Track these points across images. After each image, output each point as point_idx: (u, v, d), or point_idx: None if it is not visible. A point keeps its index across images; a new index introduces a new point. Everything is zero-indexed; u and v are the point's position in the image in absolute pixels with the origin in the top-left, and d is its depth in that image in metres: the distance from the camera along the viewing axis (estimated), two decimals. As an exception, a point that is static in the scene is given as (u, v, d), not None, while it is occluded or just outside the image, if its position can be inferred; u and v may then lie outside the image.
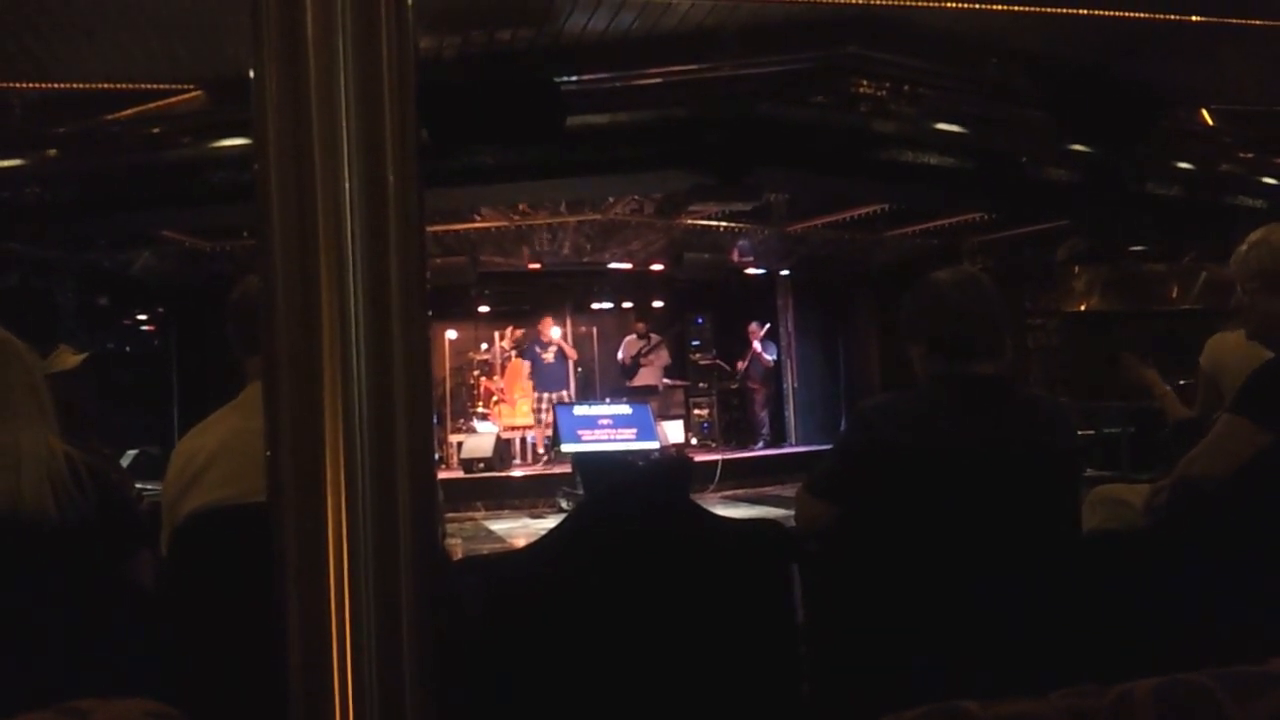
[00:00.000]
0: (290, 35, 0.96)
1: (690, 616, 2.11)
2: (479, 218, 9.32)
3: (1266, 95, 7.33)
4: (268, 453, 0.96)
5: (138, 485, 3.37)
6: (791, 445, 12.41)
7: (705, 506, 2.42)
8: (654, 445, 9.55)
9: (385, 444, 0.95)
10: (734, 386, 12.72)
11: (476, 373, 11.72)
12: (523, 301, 12.61)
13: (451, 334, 12.20)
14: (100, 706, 0.87)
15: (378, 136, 0.97)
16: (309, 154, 0.95)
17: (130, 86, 6.28)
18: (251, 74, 0.98)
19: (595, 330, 13.03)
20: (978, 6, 5.79)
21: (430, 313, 1.05)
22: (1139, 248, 11.01)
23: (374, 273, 0.95)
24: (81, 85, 6.19)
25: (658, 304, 13.04)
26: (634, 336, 12.10)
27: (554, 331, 11.53)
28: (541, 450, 10.86)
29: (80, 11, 5.35)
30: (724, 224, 9.87)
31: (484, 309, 12.45)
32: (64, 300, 9.05)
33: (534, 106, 5.74)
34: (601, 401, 11.06)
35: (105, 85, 6.22)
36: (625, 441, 9.30)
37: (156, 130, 6.37)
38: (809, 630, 2.24)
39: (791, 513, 2.34)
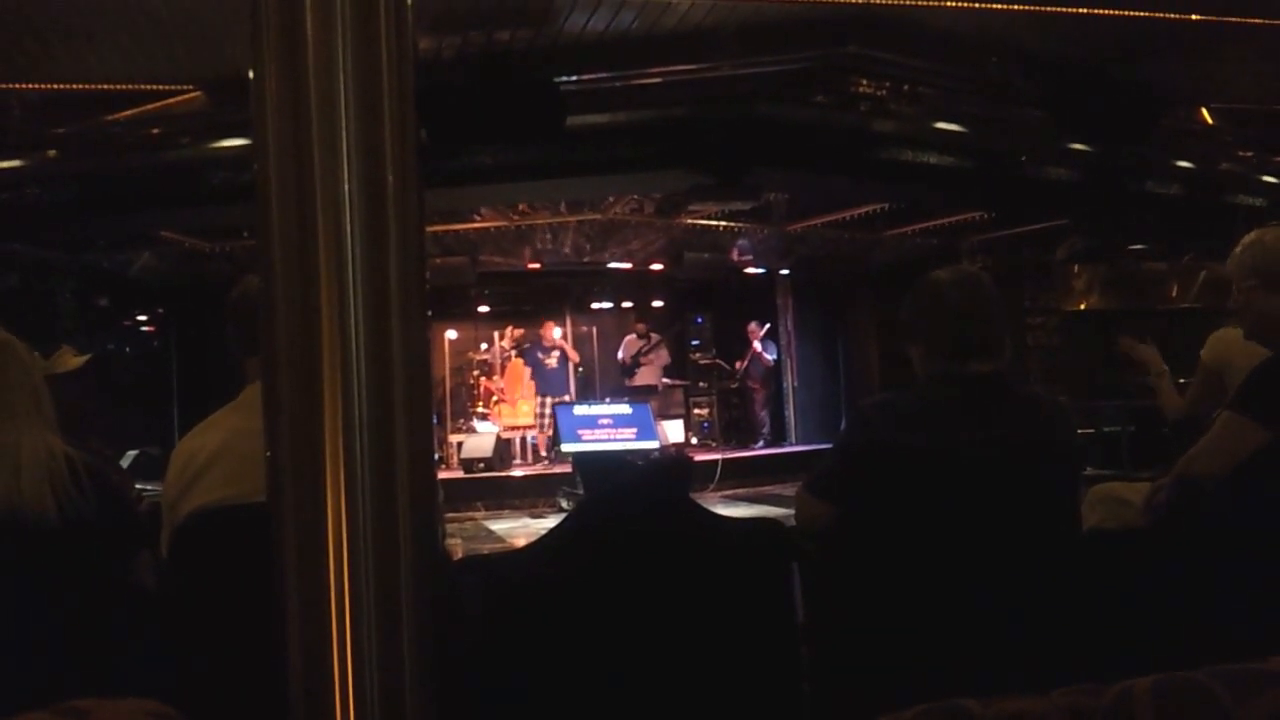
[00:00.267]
0: (290, 36, 0.96)
1: (690, 616, 2.11)
2: (479, 218, 9.32)
3: (1266, 94, 7.33)
4: (268, 452, 0.96)
5: (138, 486, 3.37)
6: (791, 444, 12.42)
7: (705, 506, 2.42)
8: (654, 445, 9.55)
9: (385, 444, 0.95)
10: (734, 386, 12.72)
11: (476, 373, 11.72)
12: (523, 301, 12.62)
13: (451, 334, 12.20)
14: (99, 706, 0.88)
15: (377, 137, 0.97)
16: (309, 154, 0.95)
17: (130, 87, 6.28)
18: (251, 75, 0.98)
19: (595, 330, 13.03)
20: (977, 6, 5.79)
21: (430, 313, 1.05)
22: (1138, 247, 11.01)
23: (373, 273, 0.95)
24: (81, 86, 6.19)
25: (657, 304, 13.05)
26: (634, 336, 12.10)
27: (556, 333, 11.53)
28: (543, 452, 10.87)
29: (80, 12, 5.35)
30: (724, 224, 9.87)
31: (484, 309, 12.45)
32: (64, 301, 9.05)
33: (533, 106, 5.74)
34: (601, 401, 11.06)
35: (105, 86, 6.22)
36: (625, 441, 9.30)
37: (156, 131, 6.36)
38: (809, 629, 2.24)
39: (791, 512, 2.34)
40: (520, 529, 8.26)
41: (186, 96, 6.40)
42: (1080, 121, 6.56)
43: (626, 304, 13.02)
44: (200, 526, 1.97)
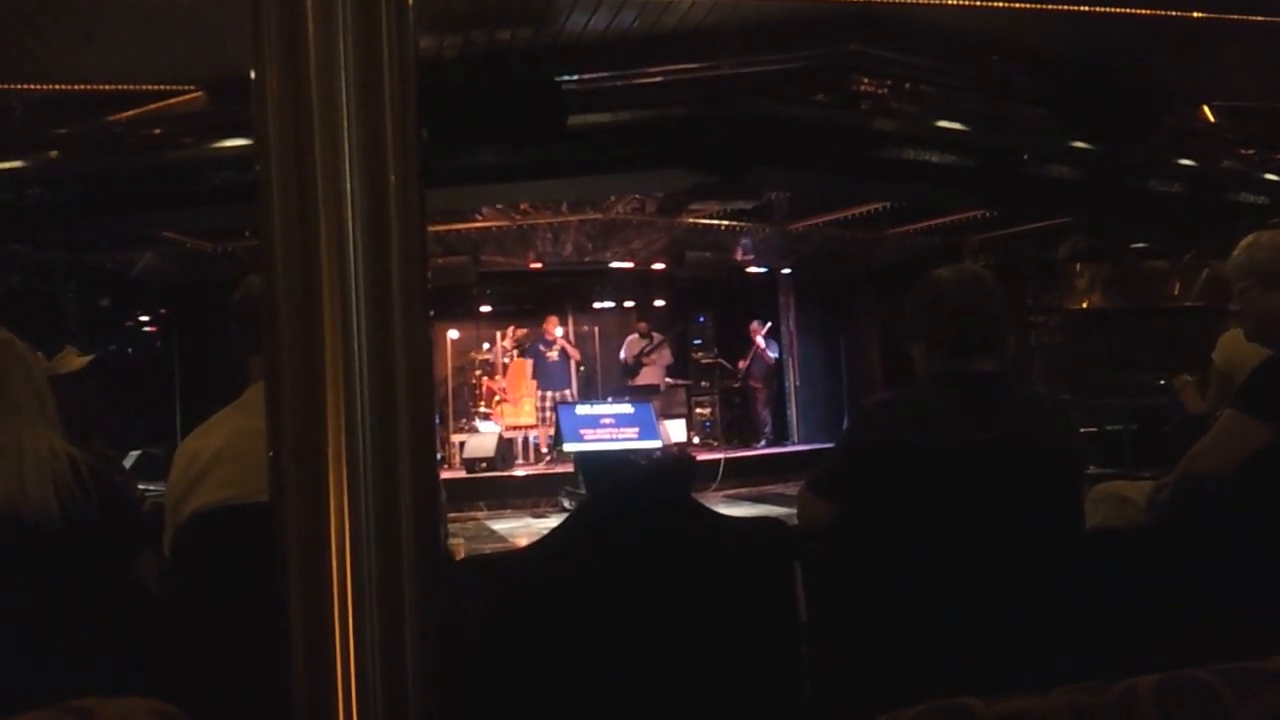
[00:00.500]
0: (291, 35, 0.96)
1: (692, 616, 2.11)
2: (480, 217, 9.32)
3: (1268, 92, 7.32)
4: (270, 453, 0.96)
5: (140, 486, 3.37)
6: (793, 444, 12.41)
7: (707, 505, 2.42)
8: (656, 444, 9.54)
9: (387, 444, 0.95)
10: (736, 385, 12.72)
11: (479, 372, 11.73)
12: (524, 301, 12.62)
13: (453, 334, 12.21)
14: (104, 705, 0.88)
15: (379, 136, 0.97)
16: (310, 154, 0.95)
17: (131, 88, 6.28)
18: (252, 74, 0.98)
19: (597, 329, 13.04)
20: (978, 4, 5.79)
21: (432, 312, 1.05)
22: (1141, 245, 11.00)
23: (375, 272, 0.95)
24: (82, 86, 6.19)
25: (659, 303, 13.05)
26: (636, 335, 12.10)
27: (558, 330, 11.54)
28: (545, 450, 10.87)
29: (81, 13, 5.36)
30: (725, 223, 9.87)
31: (486, 309, 12.46)
32: (66, 302, 9.06)
33: (535, 106, 5.75)
34: (604, 400, 11.07)
35: (106, 86, 6.22)
36: (627, 440, 9.30)
37: (158, 131, 6.37)
38: (811, 629, 2.23)
39: (794, 511, 2.33)
40: (522, 529, 8.27)
41: (188, 96, 6.40)
42: (1082, 120, 6.56)
43: (628, 303, 13.02)
44: (203, 526, 1.97)
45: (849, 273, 12.24)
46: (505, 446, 10.41)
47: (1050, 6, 5.79)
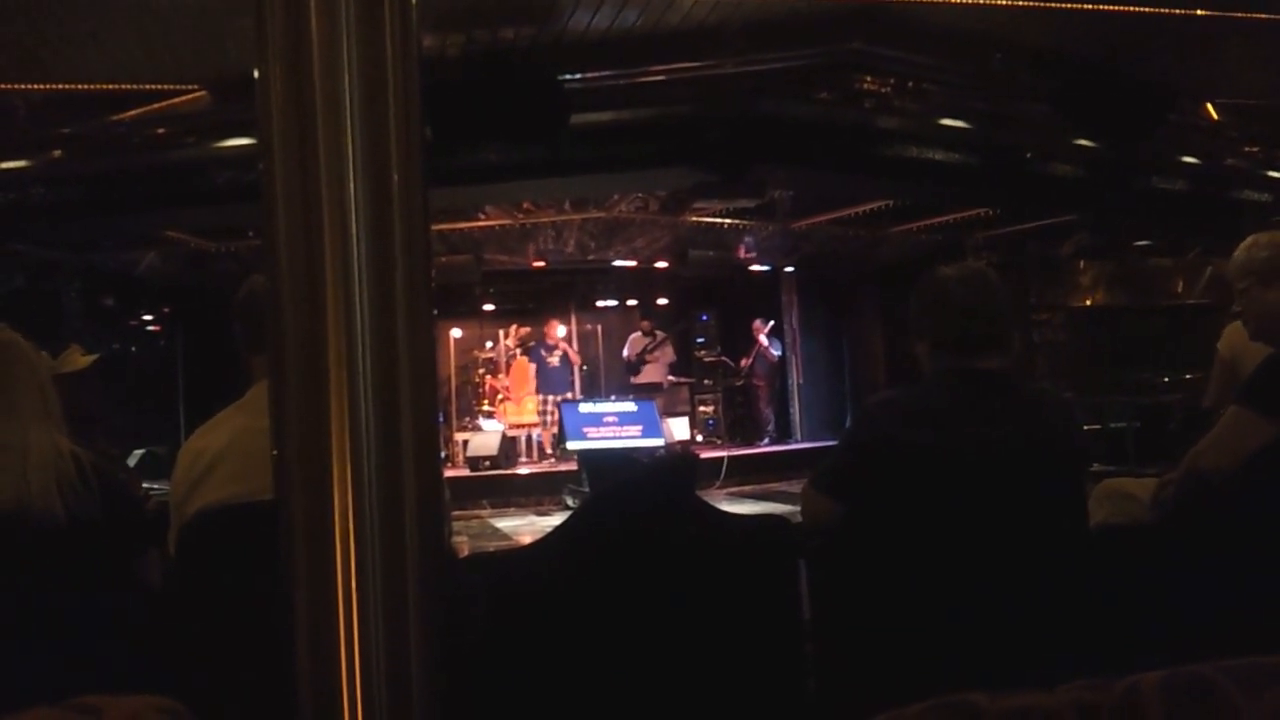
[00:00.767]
0: (294, 35, 0.96)
1: (696, 614, 2.11)
2: (483, 216, 9.32)
3: (1272, 89, 7.30)
4: (274, 451, 0.97)
5: (144, 485, 3.38)
6: (797, 442, 12.41)
7: (711, 503, 2.42)
8: (659, 442, 9.55)
9: (391, 442, 0.95)
10: (739, 383, 12.72)
11: (482, 371, 11.74)
12: (527, 300, 12.63)
13: (456, 332, 12.21)
14: (112, 703, 0.88)
15: (382, 135, 0.97)
16: (314, 153, 0.95)
17: (134, 87, 6.28)
18: (256, 74, 0.98)
19: (600, 328, 13.04)
20: (982, 1, 5.78)
21: (435, 311, 1.05)
22: (1144, 243, 10.99)
23: (379, 271, 0.95)
24: (86, 86, 6.19)
25: (662, 301, 13.05)
26: (639, 334, 12.10)
27: (559, 331, 11.53)
28: (549, 450, 10.88)
29: (84, 12, 5.36)
30: (728, 221, 9.87)
31: (489, 307, 12.46)
32: (70, 301, 9.07)
33: (538, 104, 5.74)
34: (607, 399, 11.07)
35: (109, 86, 6.22)
36: (631, 439, 9.30)
37: (161, 131, 6.37)
38: (814, 626, 2.24)
39: (797, 509, 2.34)
40: (526, 527, 8.27)
41: (191, 96, 6.40)
42: (1086, 117, 6.54)
43: (631, 302, 13.02)
44: (207, 525, 1.97)
45: (852, 271, 12.23)
46: (508, 445, 10.41)
47: (1054, 4, 5.78)
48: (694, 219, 9.61)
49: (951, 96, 6.77)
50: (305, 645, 0.94)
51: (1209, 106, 7.65)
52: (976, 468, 1.99)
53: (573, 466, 9.48)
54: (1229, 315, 3.43)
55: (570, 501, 8.98)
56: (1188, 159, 7.43)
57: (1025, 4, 5.79)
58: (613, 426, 9.44)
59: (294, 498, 0.95)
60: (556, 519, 6.82)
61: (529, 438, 11.16)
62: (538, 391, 11.09)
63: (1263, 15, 5.90)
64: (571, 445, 9.26)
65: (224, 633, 1.87)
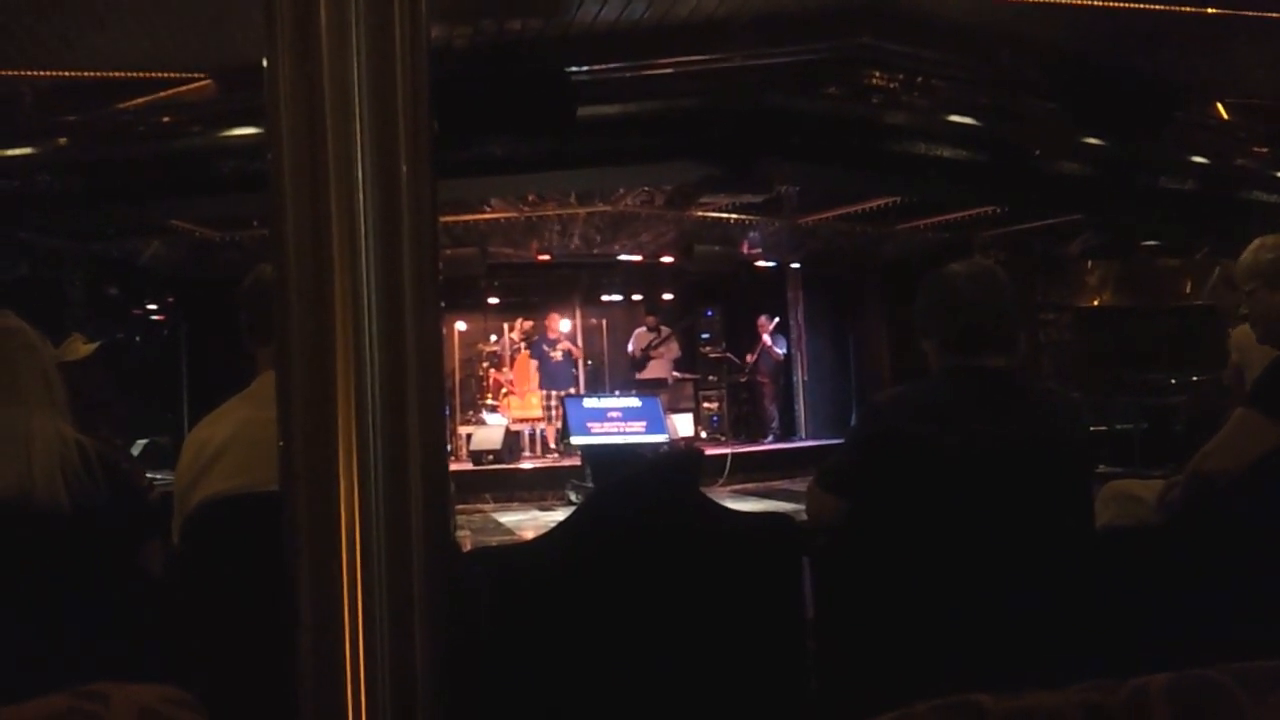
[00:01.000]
0: (303, 24, 0.95)
1: (699, 610, 2.11)
2: (489, 209, 9.31)
3: (1282, 89, 7.28)
4: (280, 442, 0.96)
5: (148, 475, 3.38)
6: (801, 439, 12.40)
7: (714, 500, 2.42)
8: (663, 438, 9.55)
9: (398, 433, 0.95)
10: (744, 380, 12.71)
11: (486, 364, 11.74)
12: (532, 293, 12.62)
13: (461, 325, 12.22)
14: (118, 690, 0.88)
15: (391, 125, 0.96)
16: (322, 143, 0.95)
17: (141, 75, 6.28)
18: (264, 63, 0.97)
19: (605, 322, 13.03)
20: (991, -2, 5.76)
21: (441, 303, 1.05)
22: (1152, 242, 10.95)
23: (387, 262, 0.95)
24: (92, 74, 6.19)
25: (667, 296, 13.04)
26: (644, 329, 12.09)
27: (563, 325, 11.52)
28: (553, 445, 10.88)
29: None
30: (734, 216, 9.85)
31: (493, 300, 12.46)
32: (74, 290, 9.08)
33: (544, 97, 5.73)
34: (611, 394, 11.07)
35: (116, 74, 6.22)
36: (634, 434, 9.30)
37: (167, 119, 6.37)
38: (818, 625, 2.23)
39: (801, 507, 2.33)
40: (529, 521, 8.27)
41: (197, 84, 6.40)
42: (1094, 115, 6.52)
43: (636, 296, 13.01)
44: (211, 515, 1.97)
45: (858, 267, 12.21)
46: (512, 439, 10.42)
47: (1063, 0, 5.76)
48: (700, 214, 9.60)
49: (960, 93, 6.75)
50: (309, 635, 0.94)
51: (1219, 105, 7.62)
52: (983, 467, 1.99)
53: (576, 462, 9.49)
54: (1235, 319, 3.42)
55: (574, 497, 8.99)
56: (1196, 158, 7.40)
57: (1034, 0, 5.77)
58: (617, 422, 9.44)
59: (299, 489, 0.95)
60: (560, 514, 6.83)
61: (533, 432, 11.16)
62: (541, 387, 11.09)
63: (1274, 14, 5.87)
64: (575, 440, 9.26)
65: (227, 623, 1.87)
